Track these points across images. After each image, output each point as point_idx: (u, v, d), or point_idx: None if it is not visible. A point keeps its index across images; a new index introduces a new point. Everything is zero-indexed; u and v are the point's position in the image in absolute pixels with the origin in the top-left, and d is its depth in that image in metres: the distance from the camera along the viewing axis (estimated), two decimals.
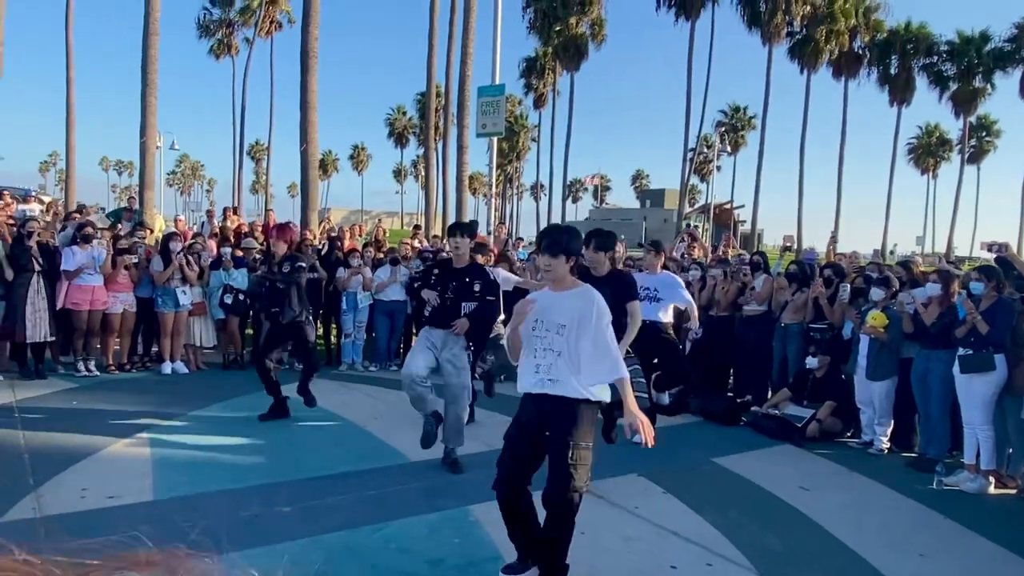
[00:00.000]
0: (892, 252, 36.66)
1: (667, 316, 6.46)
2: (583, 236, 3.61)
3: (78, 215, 9.84)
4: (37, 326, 7.45)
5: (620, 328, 4.94)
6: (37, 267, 7.48)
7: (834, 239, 9.77)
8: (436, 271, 5.33)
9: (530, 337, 3.42)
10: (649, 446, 3.33)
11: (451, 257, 5.36)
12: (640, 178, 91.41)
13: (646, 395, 5.32)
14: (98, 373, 7.94)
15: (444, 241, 12.56)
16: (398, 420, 6.51)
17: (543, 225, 48.48)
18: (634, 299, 5.12)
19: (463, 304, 5.15)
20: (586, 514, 4.30)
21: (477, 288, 5.17)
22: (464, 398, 5.22)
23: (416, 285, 5.65)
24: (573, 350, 3.33)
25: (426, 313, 5.29)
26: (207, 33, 42.17)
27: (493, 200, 15.52)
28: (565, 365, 3.34)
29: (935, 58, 40.36)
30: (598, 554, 3.90)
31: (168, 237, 8.61)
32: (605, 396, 3.48)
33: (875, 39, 38.76)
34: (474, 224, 5.51)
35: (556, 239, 3.41)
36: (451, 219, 20.32)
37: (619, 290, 4.98)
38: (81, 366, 7.90)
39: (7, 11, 17.61)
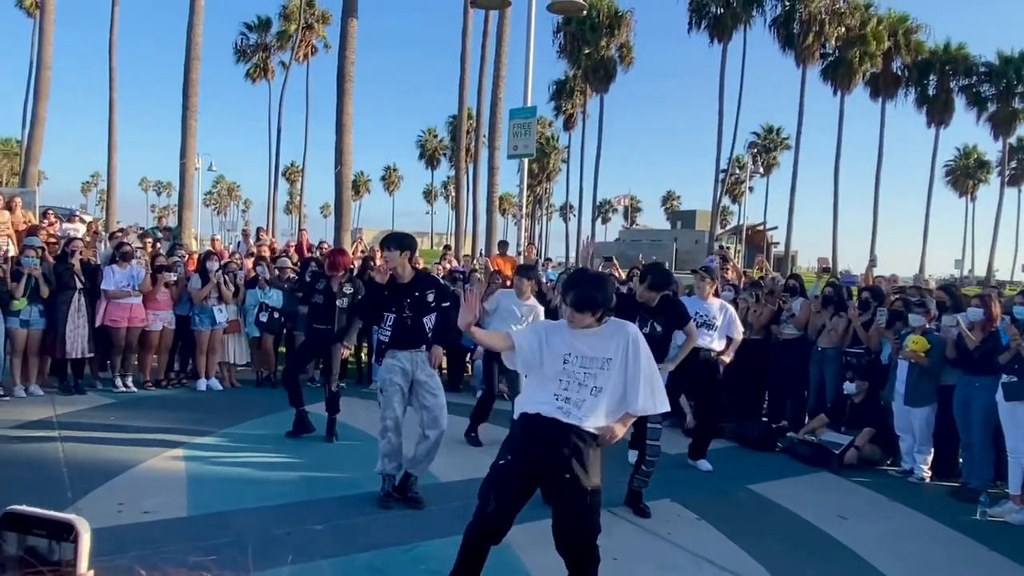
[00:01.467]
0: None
1: (719, 344, 6.39)
2: (610, 283, 3.31)
3: (120, 233, 10.08)
4: (76, 342, 7.62)
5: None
6: (79, 285, 7.67)
7: (873, 262, 9.60)
8: (385, 292, 4.94)
9: (558, 369, 3.15)
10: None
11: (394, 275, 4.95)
12: (671, 199, 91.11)
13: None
14: (135, 389, 8.09)
15: (474, 261, 12.63)
16: None
17: (572, 246, 48.47)
18: (689, 321, 5.37)
19: (424, 320, 4.90)
20: (619, 540, 4.26)
21: (431, 299, 4.90)
22: (444, 419, 4.88)
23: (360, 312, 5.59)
24: (617, 384, 3.16)
25: (383, 337, 4.94)
26: (244, 57, 43.16)
27: (523, 221, 15.58)
28: (603, 401, 3.14)
29: (973, 79, 39.74)
30: None
31: (206, 256, 8.78)
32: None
33: (915, 61, 38.29)
34: (404, 237, 5.05)
35: (585, 297, 3.11)
36: (481, 240, 20.41)
37: (673, 317, 5.17)
38: (119, 382, 8.06)
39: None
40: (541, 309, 6.86)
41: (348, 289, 6.56)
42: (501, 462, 3.32)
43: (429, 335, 4.95)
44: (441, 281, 5.25)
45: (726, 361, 6.51)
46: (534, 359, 3.20)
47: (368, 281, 5.80)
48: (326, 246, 11.22)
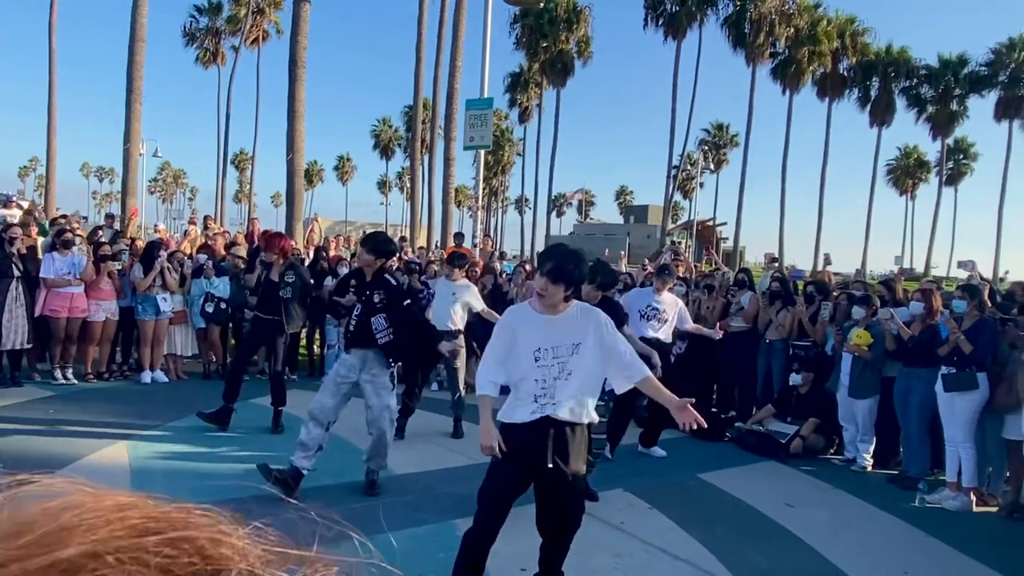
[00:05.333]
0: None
1: (667, 337, 6.58)
2: (585, 261, 3.32)
3: (63, 220, 9.71)
4: (13, 333, 7.31)
5: None
6: (17, 273, 7.36)
7: (828, 260, 9.72)
8: (354, 282, 5.04)
9: (530, 369, 3.17)
10: (698, 427, 3.18)
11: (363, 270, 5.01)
12: (624, 194, 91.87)
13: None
14: (76, 382, 7.80)
15: (429, 253, 12.55)
16: None
17: (527, 239, 48.60)
18: (624, 323, 5.15)
19: (372, 320, 4.82)
20: None
21: (379, 299, 4.83)
22: (385, 419, 4.85)
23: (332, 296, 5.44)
24: (591, 366, 3.20)
25: (350, 329, 4.95)
26: (193, 41, 41.96)
27: (479, 213, 15.53)
28: (574, 383, 3.17)
29: (914, 81, 41.10)
30: (587, 573, 3.86)
31: (151, 245, 8.52)
32: (595, 417, 3.41)
33: (860, 62, 39.41)
34: (379, 237, 5.29)
35: (562, 268, 3.10)
36: (437, 231, 20.29)
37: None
38: (58, 374, 7.76)
39: None
40: (473, 288, 7.06)
41: (290, 278, 6.40)
42: (494, 463, 3.32)
43: (378, 337, 4.82)
44: (393, 283, 5.02)
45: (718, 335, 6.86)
46: (511, 367, 3.25)
47: (349, 273, 5.65)
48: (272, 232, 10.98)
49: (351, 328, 4.93)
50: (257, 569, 0.39)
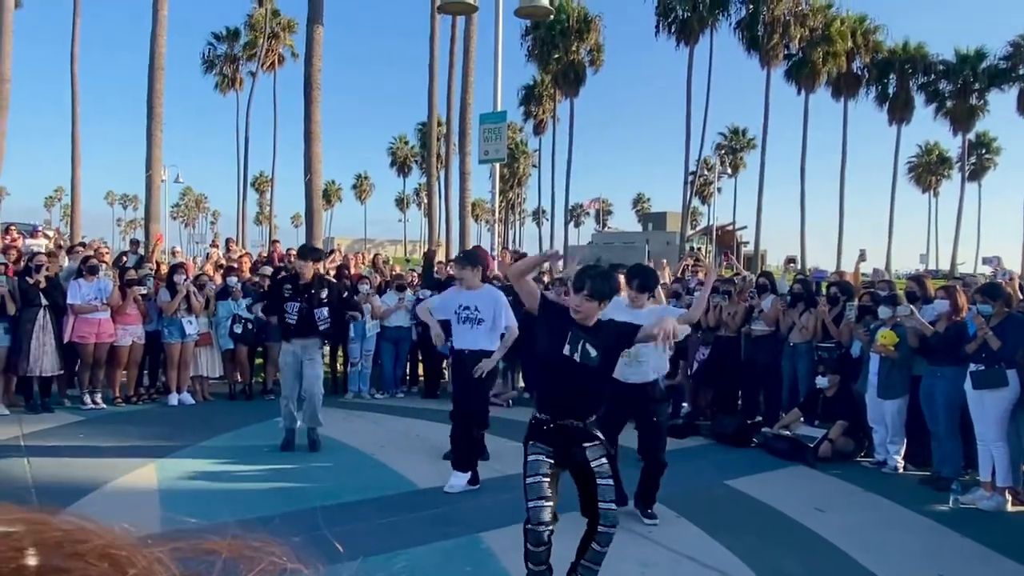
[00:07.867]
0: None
1: (494, 343, 5.46)
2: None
3: (82, 248, 9.89)
4: (41, 360, 7.44)
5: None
6: (44, 302, 7.50)
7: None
8: (288, 286, 6.38)
9: None
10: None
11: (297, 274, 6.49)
12: (641, 201, 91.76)
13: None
14: (104, 406, 7.92)
15: (448, 268, 12.59)
16: (406, 448, 6.49)
17: (546, 250, 48.45)
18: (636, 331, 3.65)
19: (316, 311, 6.25)
20: None
21: (325, 295, 6.32)
22: (318, 386, 6.32)
23: (264, 304, 7.13)
24: None
25: (291, 322, 6.25)
26: (212, 68, 42.66)
27: (496, 226, 15.57)
28: None
29: (932, 76, 40.67)
30: None
31: (173, 269, 8.66)
32: None
33: (874, 60, 39.10)
34: (319, 250, 7.68)
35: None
36: (455, 246, 20.34)
37: (619, 337, 3.63)
38: (87, 399, 7.88)
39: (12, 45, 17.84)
40: (667, 309, 5.10)
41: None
42: None
43: (321, 325, 6.29)
44: (334, 282, 6.88)
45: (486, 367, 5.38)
46: None
47: (280, 279, 6.97)
48: (293, 254, 11.10)
49: (291, 321, 6.20)
50: None
